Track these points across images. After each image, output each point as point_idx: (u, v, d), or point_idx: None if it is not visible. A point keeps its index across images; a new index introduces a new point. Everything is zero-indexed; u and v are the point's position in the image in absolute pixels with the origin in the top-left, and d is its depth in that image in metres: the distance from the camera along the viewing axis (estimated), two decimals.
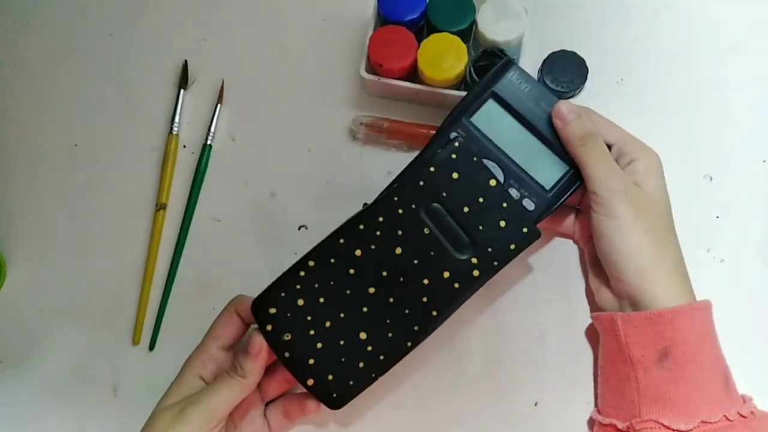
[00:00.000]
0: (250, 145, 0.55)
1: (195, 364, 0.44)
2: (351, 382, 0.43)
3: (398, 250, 0.44)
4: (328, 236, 0.44)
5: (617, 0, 0.57)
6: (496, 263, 0.44)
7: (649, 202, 0.44)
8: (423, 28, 0.53)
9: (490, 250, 0.44)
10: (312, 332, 0.43)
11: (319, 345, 0.43)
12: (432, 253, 0.44)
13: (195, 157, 0.55)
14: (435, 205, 0.44)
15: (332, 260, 0.44)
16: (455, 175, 0.44)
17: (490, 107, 0.46)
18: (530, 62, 0.54)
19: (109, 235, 0.54)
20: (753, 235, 0.51)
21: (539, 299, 0.51)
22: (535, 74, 0.55)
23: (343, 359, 0.43)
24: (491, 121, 0.46)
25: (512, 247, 0.44)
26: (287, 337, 0.43)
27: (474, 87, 0.46)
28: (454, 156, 0.44)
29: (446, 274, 0.44)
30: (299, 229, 0.53)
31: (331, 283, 0.44)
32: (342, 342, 0.43)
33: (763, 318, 0.50)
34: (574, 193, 0.45)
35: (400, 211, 0.44)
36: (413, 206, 0.44)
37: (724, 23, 0.56)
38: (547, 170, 0.46)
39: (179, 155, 0.55)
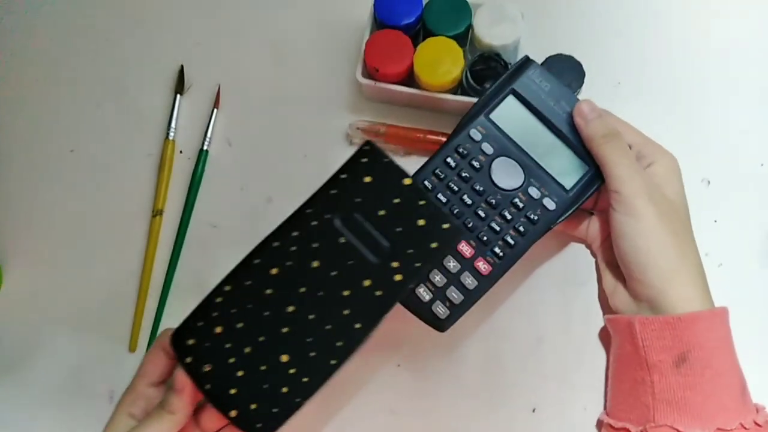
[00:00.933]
0: (247, 150, 0.55)
1: (125, 403, 0.42)
2: (275, 410, 0.41)
3: (315, 264, 0.42)
4: (244, 258, 0.42)
5: (614, 4, 0.57)
6: (418, 264, 0.41)
7: (671, 206, 0.43)
8: (419, 33, 0.53)
9: (410, 251, 0.41)
10: (232, 360, 0.41)
11: (240, 373, 0.41)
12: (350, 262, 0.41)
13: (191, 162, 0.55)
14: (350, 212, 0.42)
15: (248, 282, 0.42)
16: (368, 179, 0.42)
17: (510, 104, 0.46)
18: None
19: (105, 241, 0.54)
20: (751, 239, 0.51)
21: (537, 305, 0.51)
22: None
23: (265, 386, 0.41)
24: (511, 118, 0.46)
25: (433, 245, 0.41)
26: (207, 368, 0.41)
27: (494, 84, 0.46)
28: (364, 159, 0.42)
29: (367, 283, 0.41)
30: None
31: (249, 306, 0.41)
32: (263, 367, 0.41)
33: (761, 322, 0.50)
34: (593, 194, 0.45)
35: (314, 223, 0.42)
36: (327, 216, 0.42)
37: (721, 27, 0.56)
38: (567, 170, 0.45)
39: (176, 161, 0.55)
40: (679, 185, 0.45)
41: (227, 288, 0.42)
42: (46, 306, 0.53)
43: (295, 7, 0.58)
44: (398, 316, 0.50)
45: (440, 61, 0.50)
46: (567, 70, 0.54)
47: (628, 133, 0.45)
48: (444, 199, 0.45)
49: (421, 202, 0.42)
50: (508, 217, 0.45)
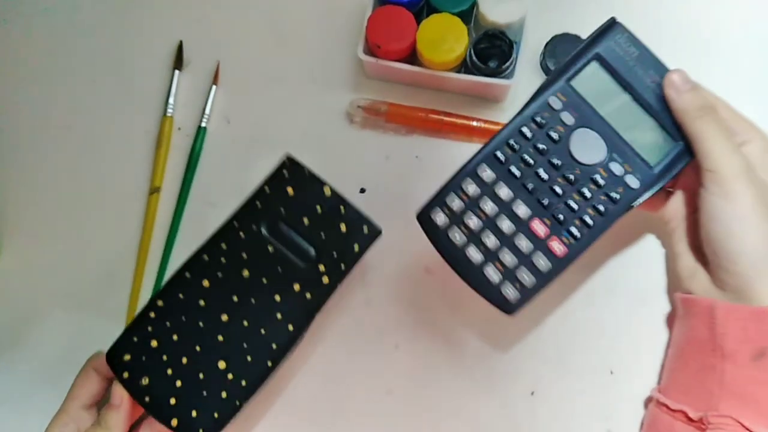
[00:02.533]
0: (246, 128, 0.54)
1: (56, 425, 0.43)
2: (216, 414, 0.43)
3: (246, 273, 0.44)
4: (174, 273, 0.44)
5: None
6: (343, 266, 0.44)
7: (767, 190, 0.40)
8: (423, 9, 0.52)
9: (335, 254, 0.44)
10: (169, 371, 0.43)
11: (179, 383, 0.43)
12: (279, 269, 0.44)
13: (189, 139, 0.54)
14: (275, 222, 0.45)
15: (181, 296, 0.44)
16: (290, 191, 0.45)
17: (594, 70, 0.42)
18: (532, 45, 0.53)
19: (102, 219, 0.53)
20: None
21: None
22: (537, 58, 0.54)
23: (204, 392, 0.43)
24: (594, 86, 0.42)
25: (356, 248, 0.44)
26: (145, 381, 0.43)
27: (578, 47, 0.42)
28: (285, 173, 0.45)
29: (297, 287, 0.44)
30: None
31: (183, 318, 0.44)
32: (201, 375, 0.43)
33: None
34: (679, 173, 0.42)
35: (242, 234, 0.44)
36: (254, 227, 0.44)
37: (729, 14, 0.55)
38: (653, 144, 0.42)
39: (174, 138, 0.54)
40: None
41: (160, 303, 0.45)
42: (42, 283, 0.52)
43: None
44: (396, 300, 0.50)
45: (444, 39, 0.48)
46: (573, 50, 0.52)
47: (720, 107, 0.42)
48: (518, 173, 0.42)
49: (342, 210, 0.44)
50: (587, 194, 0.41)
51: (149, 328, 0.44)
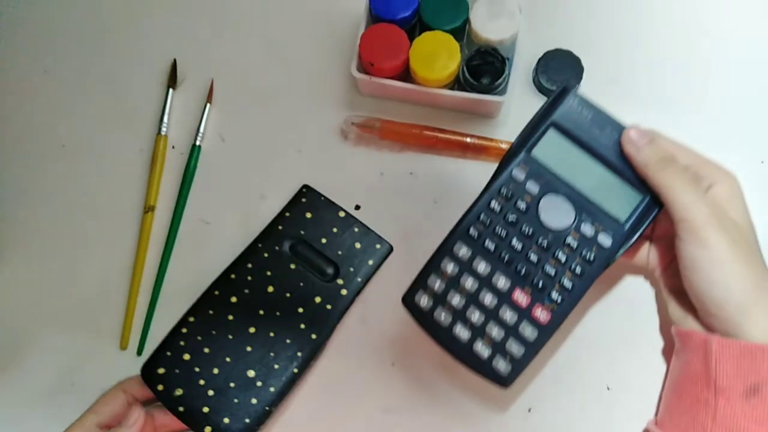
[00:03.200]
0: (240, 146, 0.54)
1: None
2: (247, 420, 0.46)
3: (270, 289, 0.49)
4: (204, 291, 0.48)
5: None
6: (359, 279, 0.49)
7: (740, 230, 0.40)
8: (415, 27, 0.52)
9: (352, 269, 0.49)
10: (202, 382, 0.46)
11: (211, 392, 0.46)
12: (301, 284, 0.49)
13: (184, 158, 0.54)
14: (296, 242, 0.50)
15: (211, 312, 0.48)
16: (309, 215, 0.50)
17: (552, 137, 0.43)
18: (524, 61, 0.54)
19: (96, 238, 0.53)
20: None
21: None
22: (530, 74, 0.54)
23: (236, 400, 0.46)
24: (554, 152, 0.42)
25: (370, 262, 0.49)
26: (179, 392, 0.46)
27: (532, 118, 0.43)
28: (304, 200, 0.51)
29: (318, 300, 0.48)
30: None
31: (213, 332, 0.47)
32: (232, 384, 0.46)
33: None
34: (652, 222, 0.42)
35: (266, 254, 0.49)
36: (277, 248, 0.49)
37: (721, 23, 0.55)
38: (620, 201, 0.42)
39: (168, 156, 0.54)
40: (744, 206, 0.42)
41: (191, 319, 0.48)
42: (36, 302, 0.52)
43: (289, 1, 0.57)
44: (392, 317, 0.49)
45: (436, 56, 0.49)
46: (565, 66, 0.53)
47: (682, 154, 0.42)
48: (492, 247, 0.42)
49: (357, 229, 0.50)
50: (563, 259, 0.42)
51: (182, 343, 0.47)
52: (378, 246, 0.50)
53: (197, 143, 0.54)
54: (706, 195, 0.41)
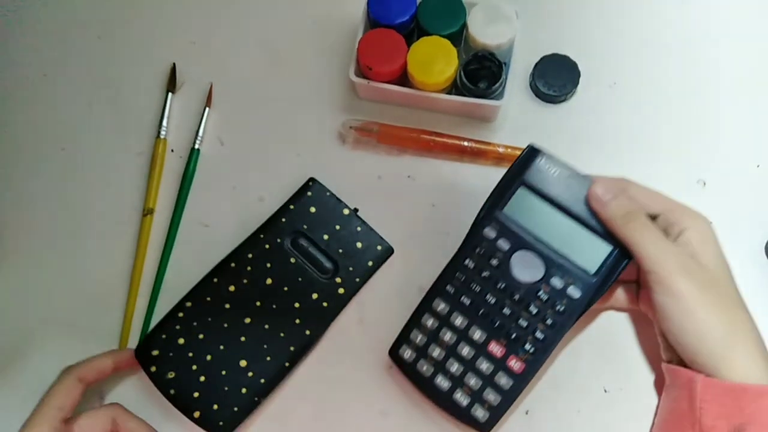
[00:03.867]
0: (239, 149, 0.55)
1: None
2: (236, 408, 0.46)
3: (269, 281, 0.48)
4: (203, 277, 0.49)
5: (609, 3, 0.57)
6: (357, 280, 0.49)
7: (711, 275, 0.41)
8: (413, 32, 0.52)
9: (351, 269, 0.49)
10: (194, 367, 0.47)
11: (202, 378, 0.46)
12: (300, 279, 0.48)
13: (183, 161, 0.54)
14: (297, 237, 0.49)
15: (208, 298, 0.48)
16: (313, 210, 0.50)
17: (522, 196, 0.45)
18: (521, 66, 0.54)
19: (95, 241, 0.53)
20: (747, 240, 0.51)
21: None
22: (527, 78, 0.54)
23: (226, 388, 0.46)
24: (525, 209, 0.45)
25: (370, 263, 0.49)
26: (171, 375, 0.47)
27: (502, 178, 0.45)
28: (309, 194, 0.50)
29: (315, 296, 0.48)
30: None
31: (209, 319, 0.48)
32: (224, 372, 0.47)
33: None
34: (621, 273, 0.43)
35: (267, 246, 0.49)
36: (278, 240, 0.49)
37: (717, 27, 0.56)
38: (589, 253, 0.44)
39: (167, 159, 0.54)
40: (717, 249, 0.42)
41: (188, 304, 0.48)
42: (35, 304, 0.52)
43: (288, 5, 0.57)
44: (389, 319, 0.50)
45: (434, 61, 0.49)
46: (562, 70, 0.53)
47: (652, 200, 0.43)
48: (468, 302, 0.45)
49: (359, 228, 0.50)
50: (534, 311, 0.44)
51: (177, 327, 0.47)
52: (379, 247, 0.50)
53: (196, 146, 0.54)
54: (676, 242, 0.42)
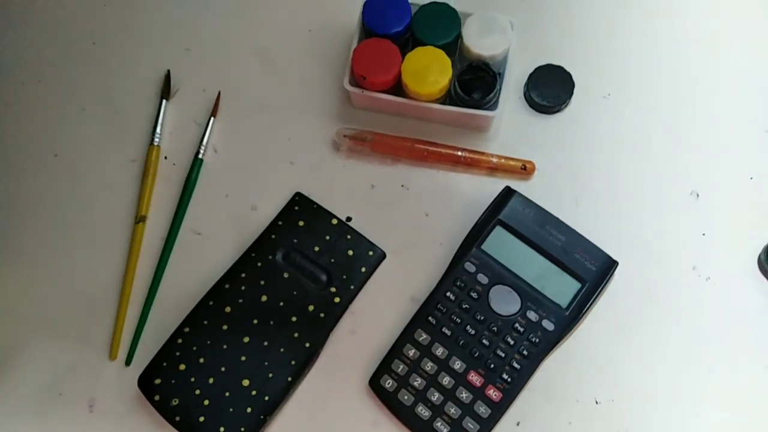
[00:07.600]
0: (233, 158, 0.54)
1: None
2: (242, 429, 0.46)
3: (264, 298, 0.48)
4: (199, 302, 0.48)
5: (604, 15, 0.57)
6: (352, 287, 0.49)
7: None
8: (408, 41, 0.52)
9: (344, 277, 0.49)
10: (197, 392, 0.46)
11: (206, 402, 0.46)
12: (295, 292, 0.48)
13: (176, 168, 0.54)
14: (289, 251, 0.49)
15: (205, 322, 0.48)
16: (301, 223, 0.50)
17: (499, 234, 0.48)
18: (516, 76, 0.54)
19: (87, 247, 0.53)
20: (739, 253, 0.51)
21: None
22: (521, 89, 0.55)
23: (231, 409, 0.46)
24: (501, 246, 0.48)
25: (363, 270, 0.49)
26: (175, 402, 0.46)
27: (480, 216, 0.49)
28: (296, 208, 0.50)
29: (311, 308, 0.48)
30: None
31: (208, 342, 0.48)
32: (227, 393, 0.46)
33: (748, 336, 0.49)
34: (591, 307, 0.47)
35: (259, 264, 0.49)
36: (270, 257, 0.49)
37: (710, 40, 0.56)
38: (561, 289, 0.47)
39: (160, 167, 0.54)
40: None
41: (186, 330, 0.48)
42: (25, 311, 0.52)
43: (283, 14, 0.57)
44: (381, 328, 0.49)
45: (428, 71, 0.49)
46: (556, 81, 0.53)
47: None
48: (449, 332, 0.47)
49: (349, 237, 0.50)
50: (511, 342, 0.46)
51: (177, 353, 0.47)
52: (371, 253, 0.50)
53: (200, 156, 0.54)
54: None
